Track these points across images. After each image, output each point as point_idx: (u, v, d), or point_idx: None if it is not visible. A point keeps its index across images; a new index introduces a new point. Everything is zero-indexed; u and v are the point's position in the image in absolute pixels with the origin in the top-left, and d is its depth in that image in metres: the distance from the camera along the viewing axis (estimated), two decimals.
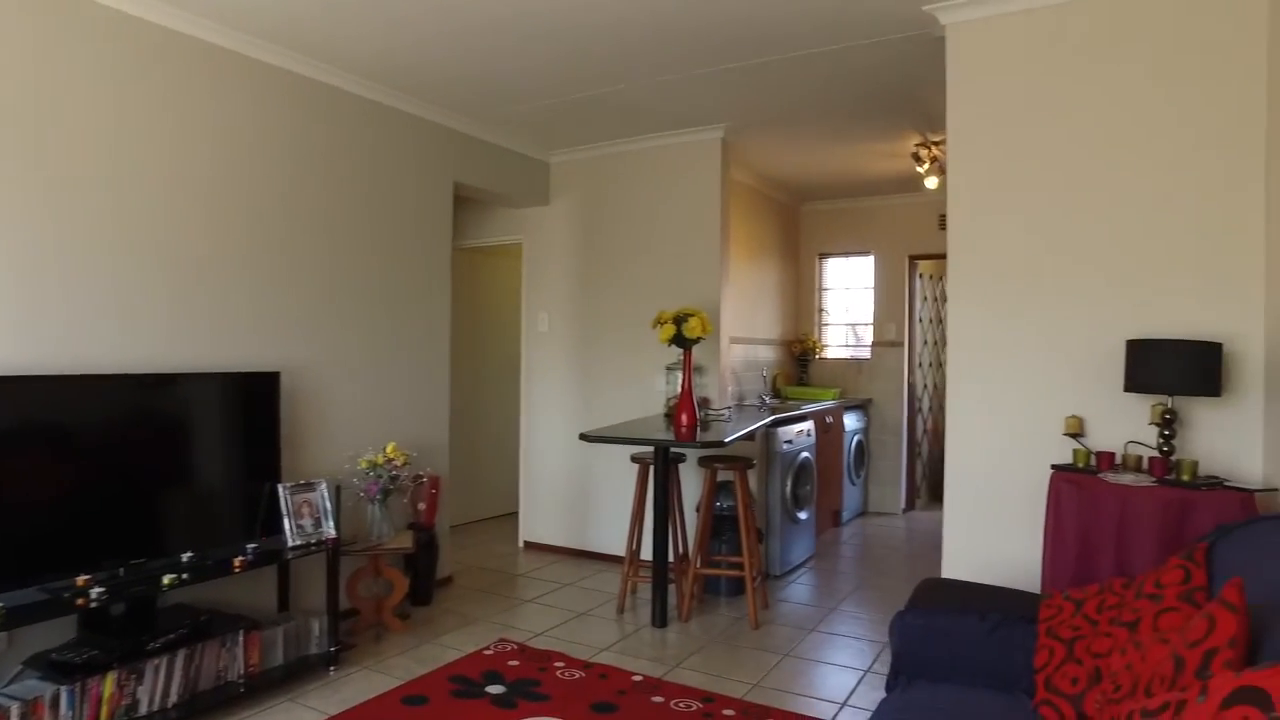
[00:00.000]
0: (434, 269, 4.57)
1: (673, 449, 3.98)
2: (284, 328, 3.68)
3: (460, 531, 5.95)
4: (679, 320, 4.00)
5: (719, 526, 4.40)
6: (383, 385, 4.21)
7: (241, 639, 2.87)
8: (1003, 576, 3.01)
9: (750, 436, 4.39)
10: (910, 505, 6.94)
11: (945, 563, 3.20)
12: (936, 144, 5.13)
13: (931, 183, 5.39)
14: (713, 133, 4.83)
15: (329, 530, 3.36)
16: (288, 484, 3.30)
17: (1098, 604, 2.06)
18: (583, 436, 3.72)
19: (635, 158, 5.12)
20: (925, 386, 7.29)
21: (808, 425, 5.30)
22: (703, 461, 4.15)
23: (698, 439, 3.78)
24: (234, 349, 3.42)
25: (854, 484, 6.49)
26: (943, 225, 6.64)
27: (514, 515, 5.77)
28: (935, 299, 7.41)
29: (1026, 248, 3.10)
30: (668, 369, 4.71)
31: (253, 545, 3.09)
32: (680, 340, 4.01)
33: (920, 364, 7.07)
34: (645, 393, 5.02)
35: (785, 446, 4.90)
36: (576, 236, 5.34)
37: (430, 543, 4.27)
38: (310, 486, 3.38)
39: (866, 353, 7.04)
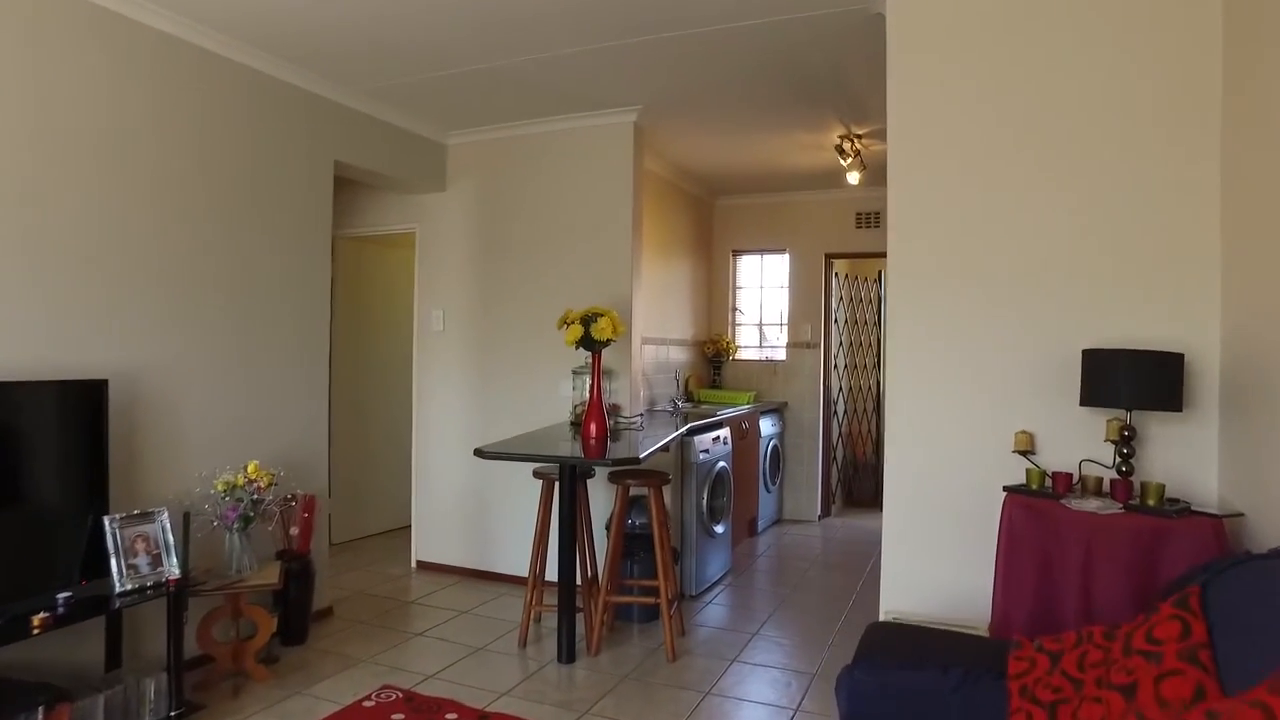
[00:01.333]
0: (312, 259, 4.02)
1: (580, 465, 3.58)
2: (129, 326, 3.10)
3: (347, 550, 5.39)
4: (587, 321, 3.61)
5: (630, 546, 4.03)
6: (251, 392, 3.66)
7: (41, 716, 2.30)
8: (948, 605, 2.74)
9: (665, 448, 4.03)
10: (826, 511, 6.74)
11: (884, 591, 2.91)
12: (860, 137, 4.89)
13: (853, 178, 5.16)
14: (625, 116, 4.44)
15: (171, 569, 2.81)
16: (118, 515, 2.74)
17: (1078, 658, 1.78)
18: (478, 453, 3.27)
19: (541, 141, 4.69)
20: (841, 389, 7.11)
21: (724, 432, 4.98)
22: (613, 477, 3.76)
23: (608, 453, 3.40)
24: (69, 352, 2.83)
25: (769, 491, 6.24)
26: (861, 223, 6.48)
27: (407, 530, 5.25)
28: (851, 300, 7.25)
29: (970, 245, 2.84)
30: (574, 373, 4.31)
31: (66, 595, 2.51)
32: (588, 343, 3.61)
33: (836, 366, 6.88)
34: (550, 399, 4.60)
35: (701, 456, 4.56)
36: (475, 226, 4.87)
37: (304, 572, 3.74)
38: (148, 517, 2.82)
39: (781, 354, 6.81)
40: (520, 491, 4.58)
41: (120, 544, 2.69)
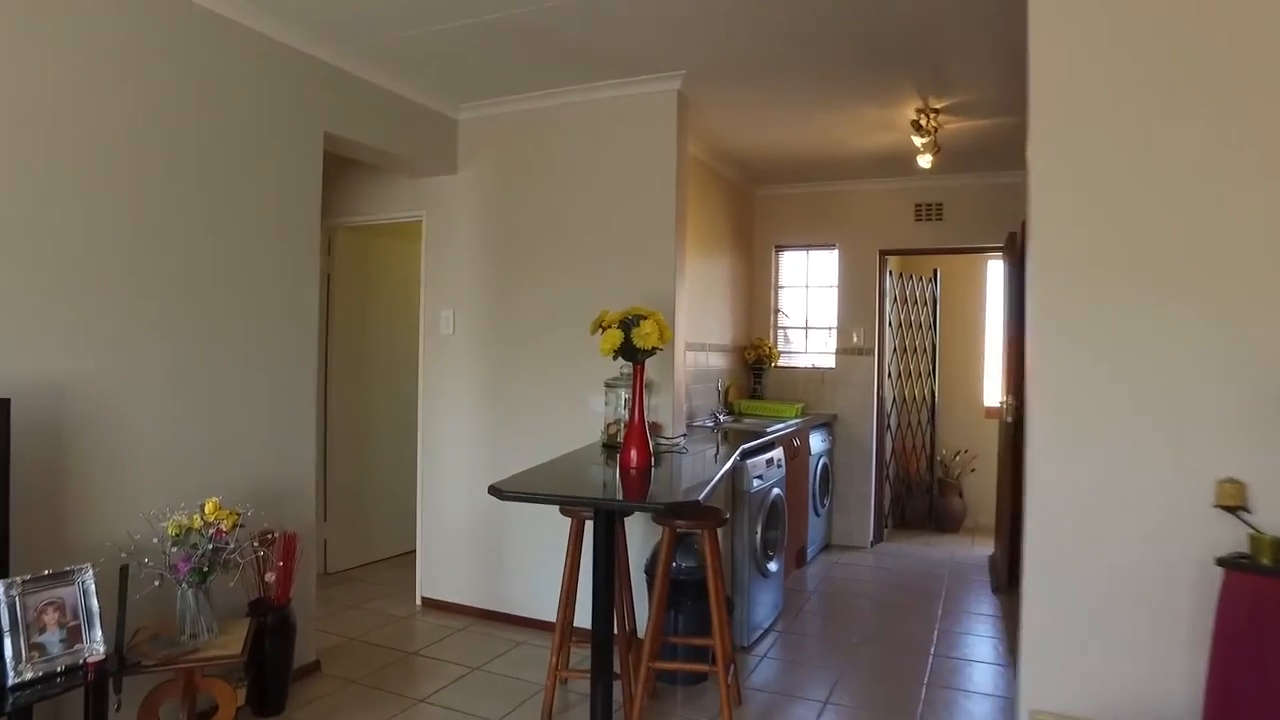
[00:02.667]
0: (297, 248, 3.38)
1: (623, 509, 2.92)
2: (54, 329, 2.47)
3: (343, 583, 4.74)
4: (627, 325, 2.93)
5: (674, 593, 3.36)
6: (218, 408, 3.02)
7: None
8: (1113, 704, 2.06)
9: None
10: (879, 536, 6.05)
11: (1024, 687, 2.22)
12: (937, 112, 4.20)
13: (925, 161, 4.47)
14: (668, 82, 3.77)
15: (93, 646, 2.17)
16: (19, 579, 2.09)
17: None
18: (495, 491, 2.60)
19: (567, 114, 4.03)
20: (895, 400, 6.42)
21: (777, 453, 4.31)
22: (659, 515, 3.09)
23: (653, 487, 2.74)
24: None
25: (818, 515, 5.55)
26: (921, 216, 5.78)
27: (412, 555, 4.60)
28: (905, 300, 6.55)
29: (1142, 229, 2.15)
30: (608, 386, 3.64)
31: None
32: (629, 352, 2.94)
33: (889, 374, 6.19)
34: (578, 415, 3.93)
35: (755, 484, 3.89)
36: (491, 214, 4.22)
37: (282, 626, 3.09)
38: (63, 578, 2.18)
39: (829, 361, 6.12)
40: (541, 520, 3.92)
41: (20, 618, 2.05)
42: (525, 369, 4.09)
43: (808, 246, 6.25)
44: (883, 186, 5.82)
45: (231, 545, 2.59)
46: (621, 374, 3.60)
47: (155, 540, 2.50)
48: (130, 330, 2.70)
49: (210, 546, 2.52)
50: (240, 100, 3.09)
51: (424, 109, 4.07)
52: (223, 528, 2.55)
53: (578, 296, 3.94)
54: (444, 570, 4.34)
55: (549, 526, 3.88)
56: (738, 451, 3.68)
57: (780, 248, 6.32)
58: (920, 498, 6.68)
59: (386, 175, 4.57)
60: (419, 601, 4.41)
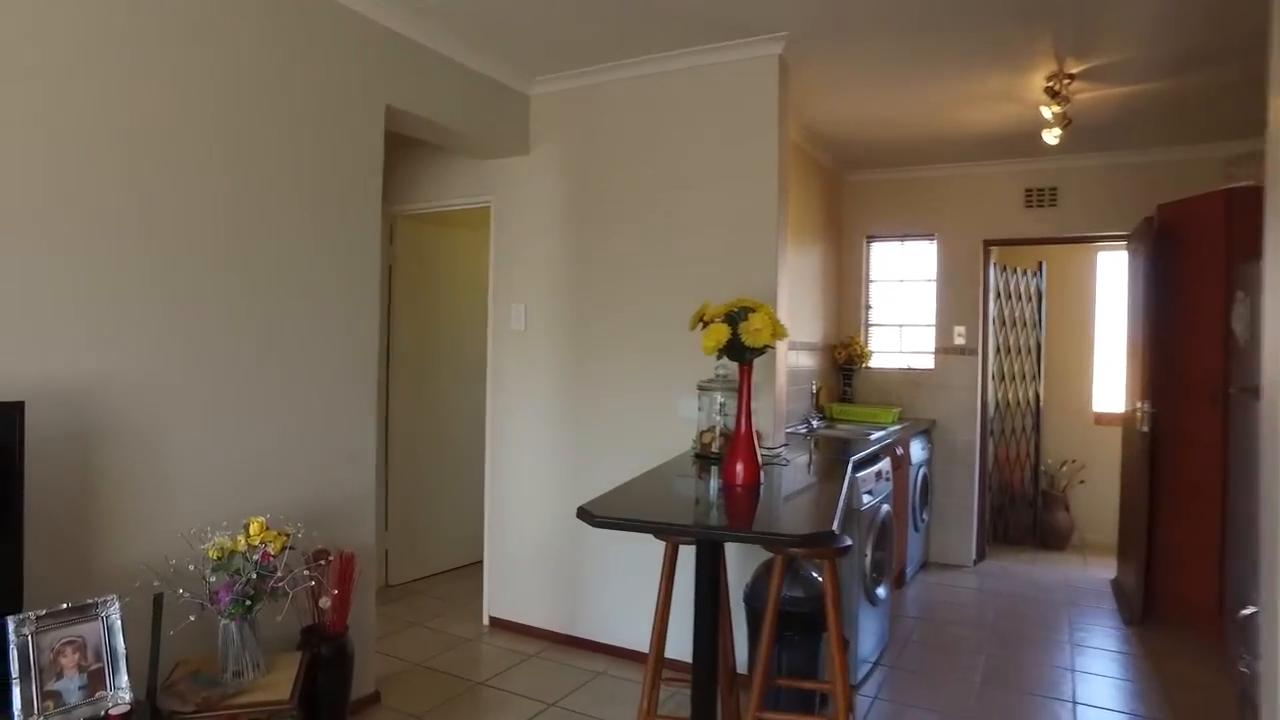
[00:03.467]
0: (359, 238, 3.04)
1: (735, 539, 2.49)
2: (86, 324, 2.17)
3: (404, 597, 4.42)
4: (734, 319, 2.51)
5: (779, 626, 2.93)
6: (268, 416, 2.69)
7: None
8: None
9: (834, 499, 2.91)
10: (981, 554, 5.51)
11: None
12: (1073, 78, 3.68)
13: (1052, 137, 3.95)
14: (768, 46, 3.33)
15: (118, 695, 1.83)
16: (34, 614, 1.77)
17: None
18: (585, 516, 2.19)
19: (653, 87, 3.62)
20: (996, 405, 5.86)
21: (884, 465, 3.84)
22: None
23: (771, 518, 2.31)
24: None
25: (917, 530, 5.05)
26: (1032, 202, 5.22)
27: (478, 567, 4.25)
28: (1011, 296, 5.99)
29: None
30: (701, 389, 3.22)
31: None
32: (736, 350, 2.51)
33: (992, 376, 5.64)
34: (666, 420, 3.52)
35: (866, 500, 3.43)
36: (567, 199, 3.84)
37: (338, 657, 2.74)
38: (85, 612, 1.85)
39: (927, 361, 5.59)
40: (624, 536, 3.53)
41: (33, 660, 1.72)
42: (605, 369, 3.70)
43: (903, 237, 5.73)
44: (988, 170, 5.28)
45: (280, 571, 2.25)
46: (717, 375, 3.18)
47: (193, 566, 2.17)
48: (169, 329, 2.38)
49: (255, 574, 2.18)
50: (295, 70, 2.76)
51: (494, 83, 3.71)
52: (270, 551, 2.21)
53: (665, 290, 3.53)
54: (514, 588, 3.97)
55: (633, 544, 3.49)
56: (850, 464, 3.22)
57: (872, 238, 5.82)
58: (1023, 511, 6.10)
59: (451, 157, 4.22)
60: (486, 621, 4.05)
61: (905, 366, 5.69)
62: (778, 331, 2.51)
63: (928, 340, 5.62)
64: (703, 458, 3.13)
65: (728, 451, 2.57)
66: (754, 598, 3.07)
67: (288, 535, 2.30)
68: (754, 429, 3.20)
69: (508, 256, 4.00)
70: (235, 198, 2.57)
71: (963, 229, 5.41)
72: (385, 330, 4.62)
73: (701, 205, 3.48)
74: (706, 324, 2.57)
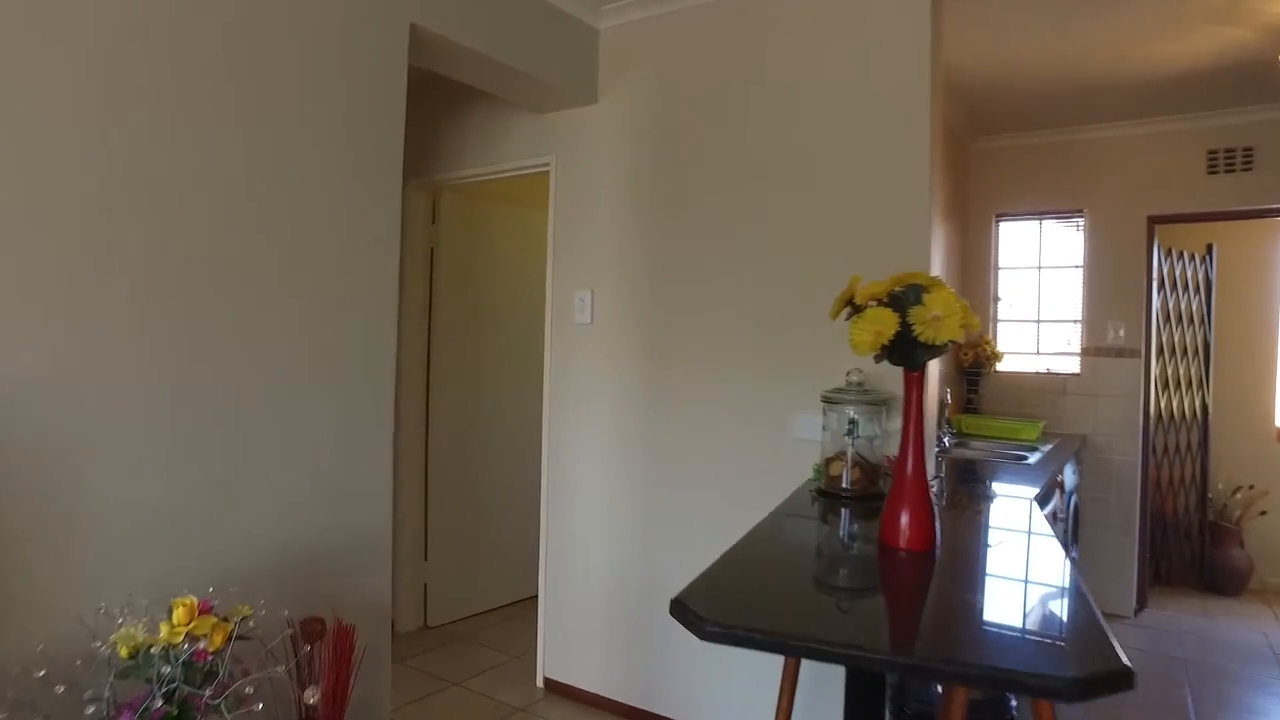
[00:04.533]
0: (370, 203, 2.30)
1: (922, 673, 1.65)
2: None
3: (448, 642, 3.69)
4: (901, 301, 1.67)
5: None
6: (239, 435, 1.97)
7: None
8: None
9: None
10: (1142, 602, 4.52)
11: None
12: None
13: None
14: None
15: None
16: None
17: None
18: (690, 620, 1.36)
19: (759, 13, 2.80)
20: (1162, 417, 4.86)
21: (1056, 503, 2.94)
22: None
23: (966, 637, 1.46)
24: None
25: None
26: (1216, 166, 4.21)
27: (533, 604, 3.50)
28: (1183, 286, 4.96)
29: None
30: (827, 402, 2.38)
31: None
32: (903, 348, 1.67)
33: (1154, 383, 4.64)
34: (774, 440, 2.69)
35: None
36: (645, 160, 3.04)
37: None
38: None
39: (1072, 364, 4.63)
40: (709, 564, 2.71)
41: None
42: (693, 373, 2.89)
43: (1040, 214, 4.77)
44: (1160, 128, 4.30)
45: (223, 673, 1.51)
46: (849, 384, 2.35)
47: (102, 648, 1.44)
48: (84, 311, 1.67)
49: (183, 680, 1.44)
50: None
51: (552, 9, 2.94)
52: (206, 647, 1.47)
53: (775, 275, 2.71)
54: (575, 645, 3.20)
55: None
56: (1031, 506, 2.35)
57: (1002, 217, 4.87)
58: (1182, 546, 5.07)
59: (505, 112, 3.47)
60: (540, 682, 3.28)
61: (1043, 370, 4.73)
62: (968, 321, 1.66)
63: (1072, 339, 4.65)
64: (829, 495, 2.30)
65: (888, 499, 1.73)
66: (904, 699, 2.22)
67: (243, 617, 1.56)
68: (886, 454, 2.36)
69: (571, 231, 3.23)
70: (193, 144, 1.84)
71: (1121, 203, 4.43)
72: (427, 324, 3.91)
73: (822, 166, 2.64)
74: (857, 309, 1.74)
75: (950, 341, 1.64)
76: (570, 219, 3.23)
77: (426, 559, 3.89)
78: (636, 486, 3.00)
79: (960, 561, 1.69)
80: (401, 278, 3.87)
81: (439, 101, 3.71)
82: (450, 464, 3.96)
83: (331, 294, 2.18)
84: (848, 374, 2.36)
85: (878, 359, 1.71)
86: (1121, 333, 4.42)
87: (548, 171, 3.33)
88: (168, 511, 1.82)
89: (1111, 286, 4.46)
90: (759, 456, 2.70)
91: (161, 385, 1.80)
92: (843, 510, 2.21)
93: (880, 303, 1.70)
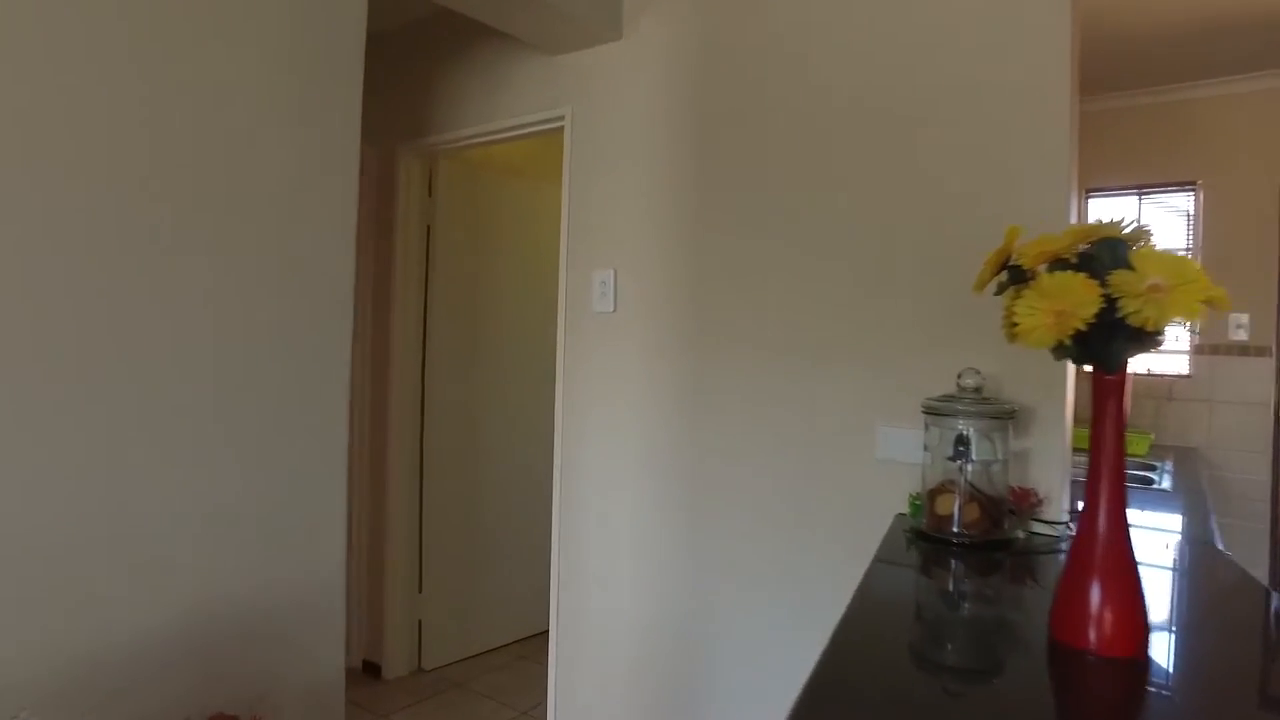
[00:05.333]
0: (316, 155, 1.72)
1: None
2: None
3: (444, 691, 3.10)
4: (1096, 262, 1.05)
5: None
6: (104, 458, 1.40)
7: None
8: None
9: None
10: None
11: None
12: None
13: None
14: None
15: None
16: None
17: None
18: None
19: None
20: None
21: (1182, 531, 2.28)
22: None
23: None
24: None
25: None
26: None
27: (543, 640, 2.91)
28: None
29: None
30: (931, 414, 1.75)
31: None
32: (1100, 339, 1.05)
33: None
34: (848, 458, 2.06)
35: None
36: (682, 110, 2.42)
37: None
38: None
39: (1181, 364, 3.94)
40: (766, 622, 2.11)
41: None
42: (742, 372, 2.26)
43: (1140, 189, 4.08)
44: None
45: None
46: (960, 389, 1.72)
47: None
48: None
49: None
50: None
51: None
52: None
53: (852, 244, 2.08)
54: (594, 707, 2.59)
55: (782, 633, 2.08)
56: (1186, 550, 1.70)
57: (1093, 192, 4.18)
58: None
59: (509, 56, 2.87)
60: None
61: (1143, 371, 4.04)
62: (1213, 295, 1.02)
63: (1181, 334, 3.95)
64: (933, 540, 1.67)
65: (1066, 571, 1.10)
66: None
67: None
68: (1019, 486, 1.74)
69: (589, 199, 2.62)
70: (116, 132, 1.27)
71: (1248, 172, 3.73)
72: (422, 315, 3.33)
73: (915, 118, 2.00)
74: (1019, 279, 1.12)
75: (1184, 320, 1.02)
76: (588, 184, 2.62)
77: (421, 590, 3.32)
78: (671, 512, 2.38)
79: (1199, 680, 1.06)
80: (390, 259, 3.29)
81: (435, 55, 3.14)
82: (449, 480, 3.38)
83: (261, 280, 1.60)
84: (960, 376, 1.73)
85: (1058, 355, 1.09)
86: (1246, 326, 3.72)
87: (561, 127, 2.72)
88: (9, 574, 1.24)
89: (1233, 271, 3.77)
90: (831, 480, 2.07)
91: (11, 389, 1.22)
92: (953, 562, 1.59)
93: (1069, 264, 1.07)
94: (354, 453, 3.36)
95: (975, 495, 1.66)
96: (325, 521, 1.73)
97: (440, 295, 3.34)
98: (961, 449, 1.69)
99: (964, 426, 1.68)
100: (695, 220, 2.36)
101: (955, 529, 1.65)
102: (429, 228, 3.33)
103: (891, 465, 1.97)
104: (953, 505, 1.67)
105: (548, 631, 2.72)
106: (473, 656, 3.46)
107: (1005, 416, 1.69)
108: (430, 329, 3.31)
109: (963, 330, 1.87)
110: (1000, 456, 1.69)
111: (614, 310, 2.52)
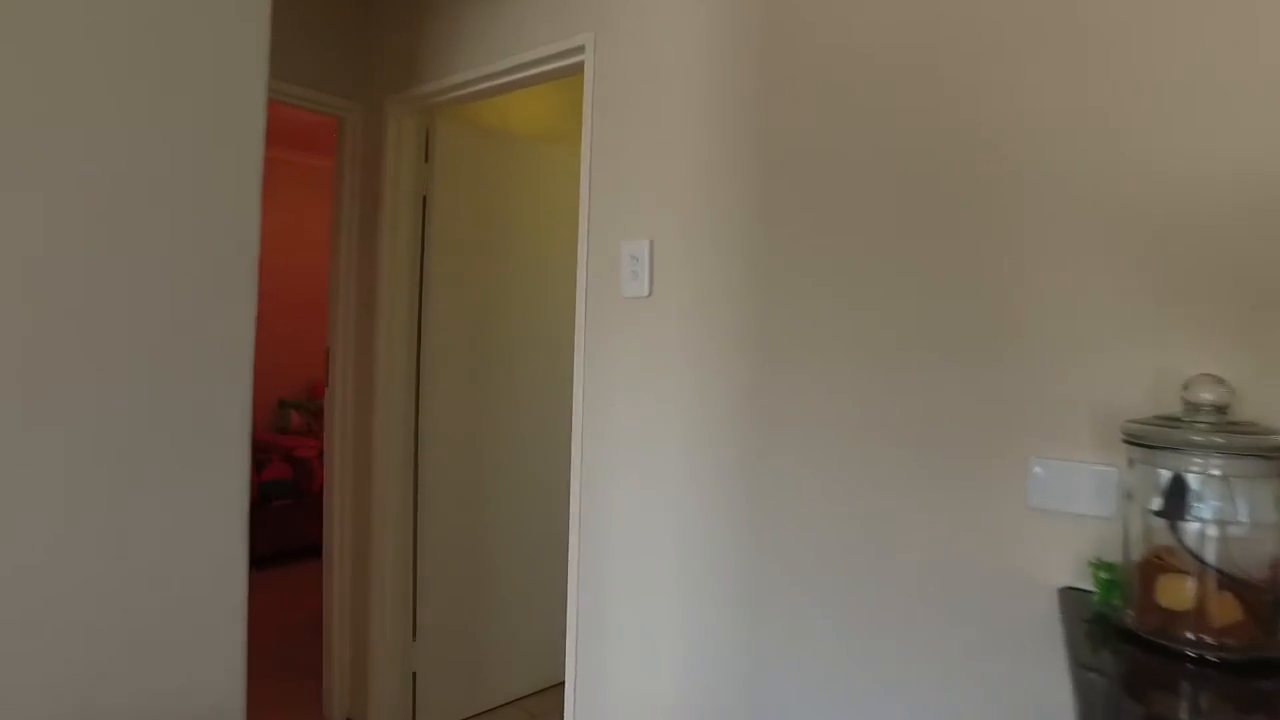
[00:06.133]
0: (181, 101, 1.13)
1: None
2: None
3: None
4: None
5: None
6: None
7: None
8: None
9: None
10: None
11: None
12: None
13: None
14: None
15: None
16: None
17: None
18: None
19: None
20: None
21: None
22: None
23: None
24: None
25: None
26: None
27: (559, 693, 2.33)
28: None
29: None
30: (1141, 444, 1.14)
31: None
32: None
33: None
34: (985, 501, 1.43)
35: None
36: (741, 36, 1.81)
37: None
38: None
39: None
40: (844, 692, 1.50)
41: None
42: (836, 379, 1.64)
43: None
44: None
45: None
46: (1193, 405, 1.10)
47: None
48: None
49: None
50: None
51: None
52: None
53: (990, 192, 1.45)
54: None
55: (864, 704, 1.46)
56: None
57: None
58: None
59: None
60: None
61: None
62: None
63: None
64: (1148, 643, 1.05)
65: None
66: None
67: None
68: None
69: (618, 146, 2.02)
70: None
71: None
72: (418, 303, 2.76)
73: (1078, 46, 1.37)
74: None
75: None
76: (617, 129, 2.02)
77: (415, 638, 2.75)
78: (726, 563, 1.77)
79: None
80: (375, 236, 2.73)
81: None
82: (448, 507, 2.81)
83: (111, 265, 1.03)
84: (1187, 386, 1.11)
85: None
86: None
87: (581, 61, 2.13)
88: None
89: None
90: (957, 537, 1.45)
91: None
92: (1191, 687, 0.98)
93: None
94: (334, 475, 2.80)
95: (1228, 581, 1.04)
96: (216, 609, 1.15)
97: (439, 281, 2.76)
98: (1198, 504, 1.07)
99: (1201, 467, 1.06)
100: (762, 171, 1.74)
101: (1195, 634, 1.03)
102: (424, 199, 2.76)
103: (1052, 517, 1.35)
104: (1190, 594, 1.05)
105: (564, 684, 2.13)
106: (477, 716, 2.89)
107: (1273, 455, 1.06)
108: (426, 323, 2.74)
109: (1185, 308, 1.24)
110: (1265, 519, 1.06)
111: (649, 294, 1.92)
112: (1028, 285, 1.38)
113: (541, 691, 3.04)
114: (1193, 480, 1.06)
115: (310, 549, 4.15)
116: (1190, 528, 1.07)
